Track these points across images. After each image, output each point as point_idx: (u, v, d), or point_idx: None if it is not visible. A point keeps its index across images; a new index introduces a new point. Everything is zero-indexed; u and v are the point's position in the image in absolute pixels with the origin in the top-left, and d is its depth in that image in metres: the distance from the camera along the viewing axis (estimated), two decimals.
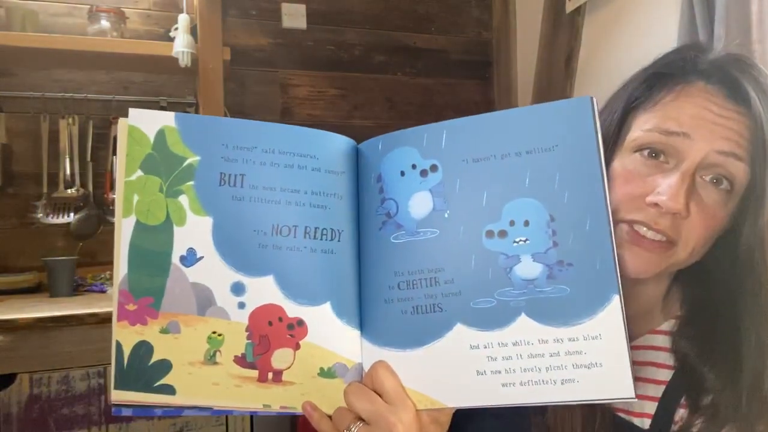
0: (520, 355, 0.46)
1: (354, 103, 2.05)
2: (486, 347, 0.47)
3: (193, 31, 1.66)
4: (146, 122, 0.50)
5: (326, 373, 0.51)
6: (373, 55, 2.08)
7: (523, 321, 0.46)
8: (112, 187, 1.74)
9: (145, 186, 0.50)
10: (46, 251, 1.66)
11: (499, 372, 0.47)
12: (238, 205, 0.50)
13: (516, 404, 0.47)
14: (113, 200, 1.74)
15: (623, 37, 1.56)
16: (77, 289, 1.60)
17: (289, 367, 0.51)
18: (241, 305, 0.50)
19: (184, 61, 1.61)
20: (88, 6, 1.70)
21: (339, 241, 0.52)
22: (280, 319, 0.50)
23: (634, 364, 0.49)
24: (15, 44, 1.53)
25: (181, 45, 1.61)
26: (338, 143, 0.53)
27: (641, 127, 0.55)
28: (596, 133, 0.47)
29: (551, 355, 0.46)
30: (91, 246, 1.73)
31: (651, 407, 0.57)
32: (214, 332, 0.50)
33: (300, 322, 0.50)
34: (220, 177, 0.50)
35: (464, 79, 2.18)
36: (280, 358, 0.51)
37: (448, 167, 0.49)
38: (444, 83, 2.15)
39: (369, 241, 0.52)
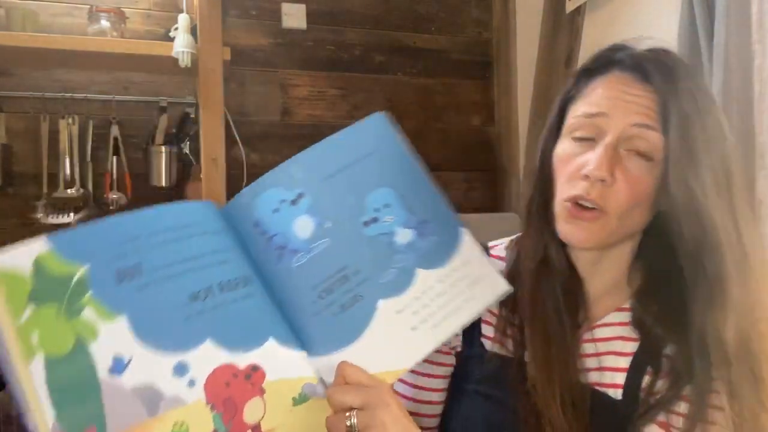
0: (432, 299, 0.58)
1: (354, 103, 2.05)
2: (408, 306, 0.57)
3: (193, 31, 1.66)
4: (17, 260, 0.46)
5: (300, 400, 0.52)
6: (373, 55, 2.08)
7: (422, 274, 0.59)
8: (112, 187, 1.75)
9: (40, 319, 0.45)
10: None
11: (426, 320, 0.57)
12: (145, 292, 0.48)
13: (450, 335, 0.58)
14: (113, 200, 1.74)
15: (623, 37, 1.56)
16: None
17: (263, 416, 0.50)
18: (191, 383, 0.48)
19: (184, 61, 1.61)
20: (88, 6, 1.69)
21: (251, 284, 0.54)
22: (235, 375, 0.50)
23: (604, 340, 0.64)
24: (15, 44, 1.53)
25: (181, 45, 1.60)
26: (203, 208, 0.55)
27: (572, 115, 0.65)
28: (395, 134, 0.62)
29: (451, 286, 0.59)
30: None
31: (621, 378, 0.62)
32: (175, 424, 0.47)
33: (255, 368, 0.51)
34: (117, 274, 0.48)
35: (464, 79, 2.18)
36: (251, 411, 0.50)
37: (312, 189, 0.57)
38: (444, 83, 2.15)
39: (275, 275, 0.55)
